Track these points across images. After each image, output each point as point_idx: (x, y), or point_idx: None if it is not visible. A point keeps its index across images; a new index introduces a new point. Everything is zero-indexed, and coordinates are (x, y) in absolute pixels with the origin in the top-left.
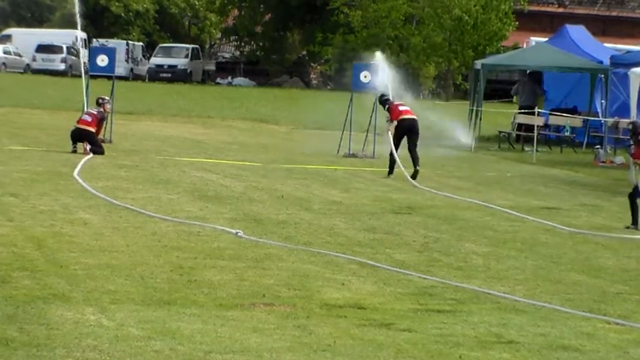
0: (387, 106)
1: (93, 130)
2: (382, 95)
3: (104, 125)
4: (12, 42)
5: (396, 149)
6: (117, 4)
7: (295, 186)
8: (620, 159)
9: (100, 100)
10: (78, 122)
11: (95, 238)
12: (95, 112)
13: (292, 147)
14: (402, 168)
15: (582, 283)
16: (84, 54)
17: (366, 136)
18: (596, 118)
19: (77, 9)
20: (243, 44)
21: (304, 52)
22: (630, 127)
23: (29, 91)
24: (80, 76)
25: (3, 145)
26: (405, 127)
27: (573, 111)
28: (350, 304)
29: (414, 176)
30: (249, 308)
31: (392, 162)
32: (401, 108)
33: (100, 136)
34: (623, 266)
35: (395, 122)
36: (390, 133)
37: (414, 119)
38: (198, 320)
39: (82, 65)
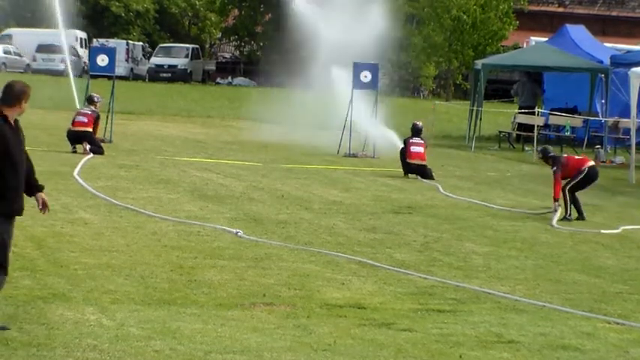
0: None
1: (90, 130)
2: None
3: (99, 123)
4: (12, 42)
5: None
6: (117, 4)
7: (295, 186)
8: (620, 159)
9: (96, 99)
10: (73, 125)
11: (95, 238)
12: (89, 112)
13: (292, 147)
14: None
15: (582, 282)
16: (72, 53)
17: (366, 136)
18: (596, 118)
19: (57, 8)
20: (243, 44)
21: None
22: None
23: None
24: (80, 76)
25: None
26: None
27: (573, 111)
28: (350, 303)
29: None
30: (249, 308)
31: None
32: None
33: (100, 136)
34: (623, 266)
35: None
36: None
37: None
38: (198, 320)
39: (68, 65)
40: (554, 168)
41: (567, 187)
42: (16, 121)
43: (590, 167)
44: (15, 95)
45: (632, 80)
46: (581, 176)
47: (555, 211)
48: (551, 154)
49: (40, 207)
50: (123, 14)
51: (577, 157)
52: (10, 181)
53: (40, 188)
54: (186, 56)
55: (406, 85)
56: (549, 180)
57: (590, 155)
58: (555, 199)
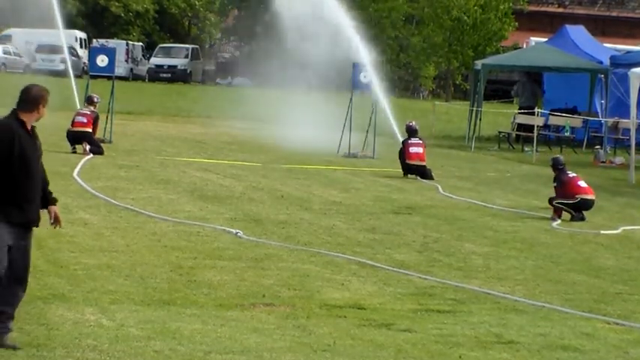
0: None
1: (89, 130)
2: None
3: (99, 124)
4: (12, 42)
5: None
6: (117, 4)
7: (295, 186)
8: (619, 159)
9: (95, 99)
10: (73, 125)
11: (95, 238)
12: (89, 112)
13: (292, 147)
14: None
15: (582, 283)
16: (72, 54)
17: (366, 136)
18: (596, 118)
19: (55, 8)
20: (243, 44)
21: None
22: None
23: None
24: (80, 76)
25: None
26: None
27: (573, 111)
28: (350, 304)
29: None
30: (249, 308)
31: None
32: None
33: (100, 136)
34: (623, 266)
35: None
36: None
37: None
38: (198, 320)
39: (69, 65)
40: (555, 184)
41: (555, 202)
42: (33, 127)
43: (583, 200)
44: (32, 100)
45: (632, 80)
46: (571, 202)
47: (554, 220)
48: (560, 166)
49: (52, 221)
50: (122, 14)
51: (582, 184)
52: (25, 191)
53: (54, 201)
54: (186, 56)
55: (406, 86)
56: (549, 181)
57: (590, 156)
58: (555, 211)
